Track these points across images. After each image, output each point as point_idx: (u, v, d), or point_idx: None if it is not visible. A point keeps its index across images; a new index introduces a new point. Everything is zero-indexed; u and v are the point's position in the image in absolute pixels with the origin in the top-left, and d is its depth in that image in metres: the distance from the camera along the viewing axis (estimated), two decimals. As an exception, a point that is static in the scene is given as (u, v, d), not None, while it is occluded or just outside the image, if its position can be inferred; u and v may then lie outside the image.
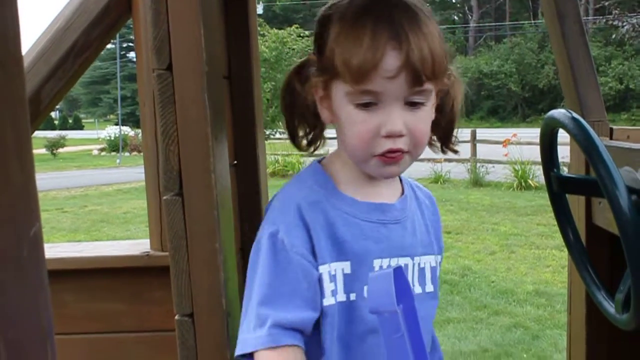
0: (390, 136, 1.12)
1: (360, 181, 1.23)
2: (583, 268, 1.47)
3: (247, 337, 1.09)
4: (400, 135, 1.13)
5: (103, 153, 32.53)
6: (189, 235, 1.11)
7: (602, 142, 1.22)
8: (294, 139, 1.28)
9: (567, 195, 1.59)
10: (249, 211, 1.64)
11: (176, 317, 1.14)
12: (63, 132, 36.30)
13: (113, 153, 30.36)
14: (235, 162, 1.62)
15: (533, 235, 8.71)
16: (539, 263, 7.49)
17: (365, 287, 1.14)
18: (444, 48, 1.15)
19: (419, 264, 1.28)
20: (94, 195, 15.57)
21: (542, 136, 1.48)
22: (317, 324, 1.15)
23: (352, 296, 1.16)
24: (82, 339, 1.74)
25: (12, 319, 0.41)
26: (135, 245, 1.75)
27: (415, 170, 15.45)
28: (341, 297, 1.16)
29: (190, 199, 1.10)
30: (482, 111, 44.18)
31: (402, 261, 1.24)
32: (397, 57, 1.08)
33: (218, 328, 1.14)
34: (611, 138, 1.74)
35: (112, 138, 32.35)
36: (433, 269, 1.31)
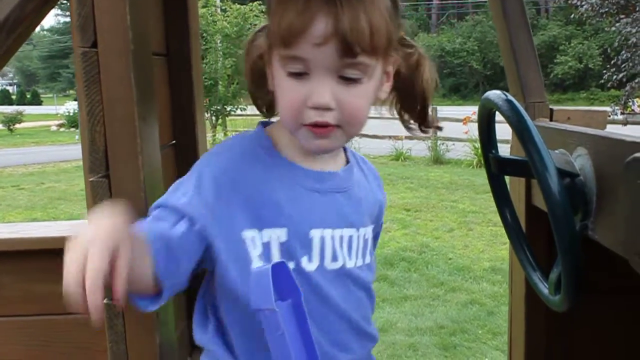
0: (316, 108, 1.09)
1: (300, 149, 1.19)
2: (520, 249, 1.49)
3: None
4: (329, 109, 1.09)
5: (62, 129, 31.99)
6: (116, 218, 1.09)
7: (534, 123, 1.22)
8: (255, 101, 1.28)
9: (506, 177, 1.60)
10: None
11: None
12: (20, 108, 35.61)
13: (72, 129, 29.86)
14: (174, 141, 1.59)
15: (491, 212, 8.81)
16: (495, 240, 7.59)
17: (304, 258, 1.15)
18: (390, 22, 1.11)
19: (364, 235, 1.26)
20: (52, 172, 15.32)
21: (480, 117, 1.48)
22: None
23: (291, 265, 1.12)
24: (19, 321, 1.70)
25: None
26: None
27: (377, 147, 15.53)
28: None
29: (117, 180, 1.08)
30: (444, 89, 44.41)
31: (346, 232, 1.21)
32: (327, 24, 1.04)
33: (147, 314, 1.12)
34: (551, 119, 1.75)
35: (72, 114, 31.79)
36: (373, 240, 1.32)
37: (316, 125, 1.10)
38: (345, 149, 1.31)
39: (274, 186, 1.14)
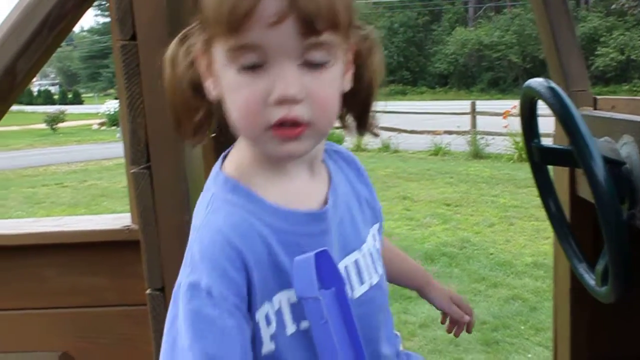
0: (282, 102, 0.89)
1: (277, 176, 1.01)
2: (565, 240, 1.46)
3: None
4: (296, 101, 0.90)
5: (103, 127, 32.50)
6: (157, 209, 1.10)
7: (579, 111, 1.20)
8: (178, 125, 1.04)
9: (550, 167, 1.57)
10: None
11: (148, 291, 1.14)
12: (63, 107, 36.27)
13: (113, 127, 30.31)
14: (214, 134, 1.59)
15: (532, 207, 8.70)
16: (537, 235, 7.49)
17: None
18: None
19: (368, 250, 1.12)
20: (94, 170, 15.57)
21: (522, 106, 1.46)
22: None
23: (304, 324, 0.99)
24: (65, 313, 1.73)
25: None
26: (116, 219, 1.74)
27: (415, 143, 15.47)
28: (291, 329, 0.99)
29: (158, 172, 1.08)
30: (483, 83, 44.02)
31: (349, 260, 1.07)
32: (278, 1, 0.85)
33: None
34: (595, 108, 1.72)
35: (112, 112, 32.27)
36: (378, 249, 1.17)
37: (284, 123, 0.90)
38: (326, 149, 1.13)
39: (270, 245, 0.97)
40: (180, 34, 1.00)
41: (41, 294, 1.73)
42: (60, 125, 31.52)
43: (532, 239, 7.36)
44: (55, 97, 64.48)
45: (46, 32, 1.55)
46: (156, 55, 1.06)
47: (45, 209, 10.48)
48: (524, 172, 11.60)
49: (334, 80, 0.95)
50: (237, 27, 0.86)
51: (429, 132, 15.41)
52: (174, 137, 1.07)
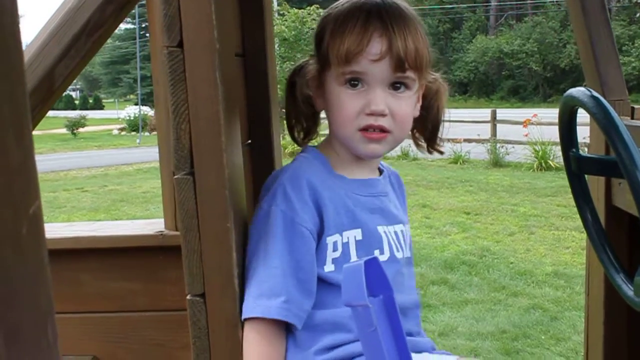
0: (372, 114, 1.28)
1: (348, 163, 1.37)
2: (601, 250, 1.45)
3: (256, 303, 1.18)
4: (383, 115, 1.28)
5: (123, 133, 32.71)
6: (200, 215, 1.10)
7: (622, 121, 1.19)
8: (292, 130, 1.44)
9: (586, 176, 1.56)
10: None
11: (188, 297, 1.14)
12: (84, 112, 36.62)
13: (133, 133, 30.51)
14: (250, 141, 1.60)
15: (553, 216, 8.64)
16: (558, 244, 7.43)
17: (376, 251, 1.32)
18: (427, 49, 1.33)
19: (408, 230, 1.46)
20: (114, 175, 15.67)
21: (561, 115, 1.45)
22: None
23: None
24: (99, 318, 1.74)
25: (11, 299, 0.40)
26: (149, 224, 1.75)
27: (435, 151, 15.40)
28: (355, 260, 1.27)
29: (202, 178, 1.09)
30: (503, 91, 43.82)
31: (397, 228, 1.40)
32: (382, 44, 1.26)
33: (230, 308, 1.13)
34: (632, 118, 1.71)
35: (132, 118, 32.49)
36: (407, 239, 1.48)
37: (371, 127, 1.29)
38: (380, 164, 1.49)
39: (342, 196, 1.31)
40: (295, 66, 1.42)
41: (75, 298, 1.74)
42: (81, 130, 31.78)
43: (553, 248, 7.31)
44: (77, 102, 64.96)
45: (85, 38, 1.57)
46: (202, 62, 1.07)
47: (66, 213, 10.55)
48: (544, 180, 11.54)
49: (409, 105, 1.34)
50: (351, 60, 1.26)
51: (448, 140, 15.33)
52: (217, 144, 1.09)
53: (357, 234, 1.30)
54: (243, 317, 1.17)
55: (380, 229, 1.35)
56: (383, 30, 1.27)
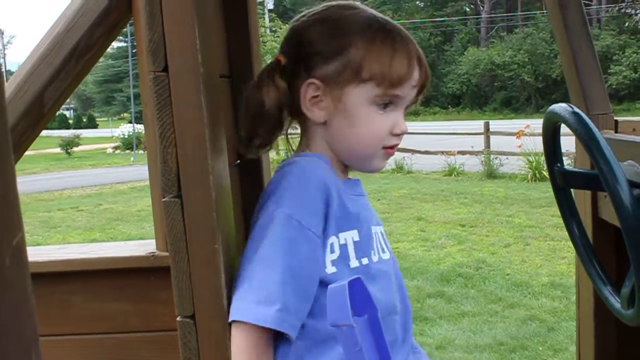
0: (400, 134, 1.33)
1: (338, 166, 1.38)
2: (589, 263, 1.46)
3: (250, 308, 1.15)
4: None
5: (117, 151, 32.71)
6: (188, 237, 1.11)
7: (602, 135, 1.20)
8: (250, 140, 1.40)
9: (572, 190, 1.58)
10: (253, 210, 1.64)
11: (178, 318, 1.15)
12: (77, 131, 36.57)
13: (127, 151, 30.51)
14: (238, 161, 1.61)
15: (548, 227, 8.66)
16: (554, 255, 7.45)
17: (372, 252, 1.32)
18: None
19: (381, 232, 1.42)
20: (109, 194, 15.65)
21: (545, 131, 1.47)
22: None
23: (364, 260, 1.30)
24: (91, 339, 1.74)
25: (-6, 330, 0.41)
26: (141, 245, 1.76)
27: (429, 163, 15.46)
28: (354, 263, 1.28)
29: (189, 200, 1.10)
30: (495, 102, 43.97)
31: (380, 229, 1.40)
32: (420, 71, 1.32)
33: (219, 329, 1.14)
34: (616, 131, 1.72)
35: (126, 136, 32.49)
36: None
37: (395, 146, 1.34)
38: None
39: (342, 197, 1.29)
40: (268, 69, 1.36)
41: (67, 320, 1.74)
42: (75, 149, 31.75)
43: (549, 259, 7.32)
44: (70, 121, 64.99)
45: (74, 60, 1.58)
46: (187, 86, 1.08)
47: (61, 233, 10.53)
48: (539, 191, 11.57)
49: None
50: (397, 86, 1.29)
51: (442, 152, 15.40)
52: (203, 167, 1.10)
53: (354, 235, 1.30)
54: (232, 318, 1.14)
55: (372, 229, 1.36)
56: (419, 58, 1.33)
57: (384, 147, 1.33)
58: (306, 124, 1.38)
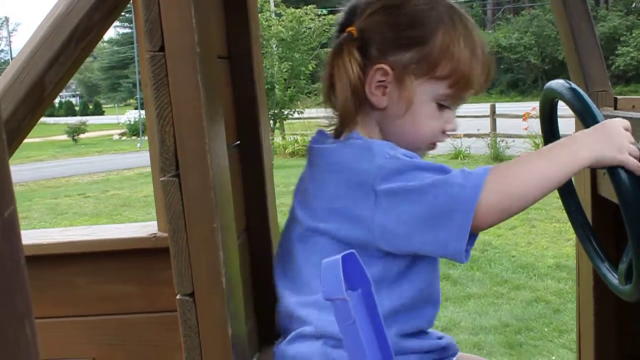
0: (449, 133, 1.35)
1: None
2: (586, 240, 1.47)
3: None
4: None
5: (124, 137, 32.78)
6: (187, 216, 1.12)
7: (600, 111, 1.21)
8: (330, 102, 1.35)
9: None
10: (253, 190, 1.65)
11: (177, 297, 1.16)
12: (84, 118, 36.62)
13: (134, 137, 30.55)
14: (238, 142, 1.62)
15: (554, 209, 8.65)
16: (559, 237, 7.45)
17: None
18: None
19: None
20: (116, 180, 15.71)
21: (542, 107, 1.47)
22: None
23: None
24: (95, 321, 1.76)
25: (-14, 301, 0.42)
26: (143, 227, 1.77)
27: (435, 147, 15.41)
28: None
29: (187, 179, 1.11)
30: (502, 85, 43.76)
31: None
32: (487, 78, 1.34)
33: (219, 306, 1.15)
34: (615, 108, 1.72)
35: (132, 122, 32.54)
36: None
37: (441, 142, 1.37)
38: None
39: None
40: (339, 44, 1.31)
41: (72, 301, 1.76)
42: (82, 136, 31.83)
43: (554, 241, 7.32)
44: (77, 108, 65.12)
45: (74, 44, 1.59)
46: (184, 65, 1.09)
47: (68, 220, 10.59)
48: (545, 174, 11.50)
49: None
50: (468, 89, 1.31)
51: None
52: (201, 146, 1.11)
53: None
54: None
55: None
56: (489, 63, 1.34)
57: (432, 143, 1.35)
58: (363, 105, 1.32)
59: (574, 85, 1.27)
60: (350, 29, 1.30)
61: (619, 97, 1.72)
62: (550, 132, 1.50)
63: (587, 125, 1.20)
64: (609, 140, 1.16)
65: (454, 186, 1.13)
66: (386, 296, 1.21)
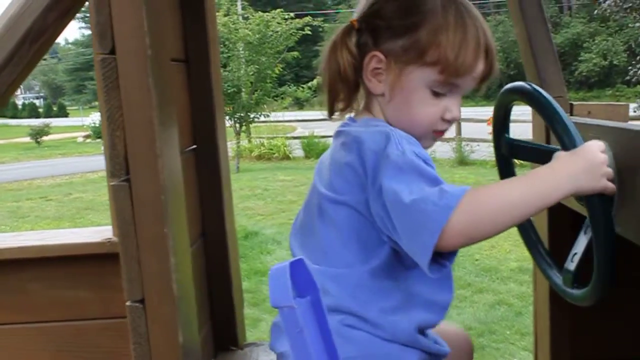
0: (451, 121, 1.33)
1: None
2: (533, 247, 1.49)
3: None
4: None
5: (88, 140, 32.35)
6: (137, 221, 1.10)
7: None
8: (333, 102, 1.38)
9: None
10: (210, 195, 1.63)
11: (127, 303, 1.14)
12: (47, 120, 36.09)
13: (98, 140, 30.16)
14: (194, 146, 1.60)
15: (517, 212, 8.73)
16: (522, 240, 7.51)
17: None
18: None
19: None
20: (79, 183, 15.49)
21: (499, 106, 1.50)
22: None
23: None
24: (46, 327, 1.73)
25: None
26: (97, 232, 1.74)
27: (401, 151, 15.45)
28: None
29: (137, 184, 1.09)
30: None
31: None
32: (485, 64, 1.31)
33: (169, 313, 1.13)
34: (572, 114, 1.74)
35: (97, 125, 32.08)
36: None
37: (444, 130, 1.35)
38: None
39: None
40: (342, 33, 1.34)
41: (24, 308, 1.72)
42: (45, 138, 31.35)
43: (517, 244, 7.38)
44: (40, 110, 64.13)
45: (28, 45, 1.55)
46: (135, 68, 1.07)
47: (30, 223, 10.40)
48: (509, 178, 11.64)
49: None
50: (459, 76, 1.28)
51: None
52: (151, 150, 1.09)
53: None
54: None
55: None
56: (487, 47, 1.31)
57: (434, 131, 1.33)
58: (368, 93, 1.38)
59: (555, 105, 1.29)
60: (352, 20, 1.35)
61: (575, 102, 1.74)
62: (502, 126, 1.53)
63: (564, 146, 1.22)
64: (590, 170, 1.17)
65: (428, 203, 1.13)
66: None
